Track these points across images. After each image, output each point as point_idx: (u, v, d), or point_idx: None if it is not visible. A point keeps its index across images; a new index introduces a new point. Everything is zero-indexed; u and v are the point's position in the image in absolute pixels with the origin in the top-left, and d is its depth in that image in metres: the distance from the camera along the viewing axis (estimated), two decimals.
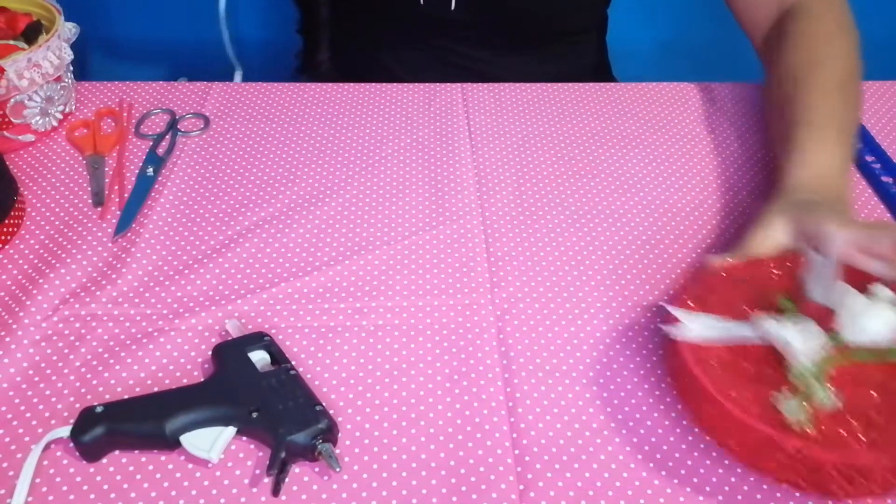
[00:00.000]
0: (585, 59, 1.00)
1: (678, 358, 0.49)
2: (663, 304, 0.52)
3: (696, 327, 0.49)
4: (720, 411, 0.46)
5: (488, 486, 0.47)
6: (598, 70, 1.02)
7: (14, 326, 0.56)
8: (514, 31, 0.91)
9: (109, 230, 0.65)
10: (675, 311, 0.50)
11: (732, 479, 0.48)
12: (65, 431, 0.48)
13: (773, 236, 0.56)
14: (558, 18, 0.92)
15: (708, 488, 0.47)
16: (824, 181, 0.62)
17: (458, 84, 0.84)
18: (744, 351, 0.49)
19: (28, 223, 0.65)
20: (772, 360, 0.48)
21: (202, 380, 0.52)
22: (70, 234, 0.64)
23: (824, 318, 0.49)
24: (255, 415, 0.48)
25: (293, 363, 0.52)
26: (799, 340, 0.47)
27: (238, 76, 1.24)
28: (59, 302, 0.58)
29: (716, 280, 0.53)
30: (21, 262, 0.62)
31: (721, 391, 0.46)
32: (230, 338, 0.54)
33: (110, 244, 0.63)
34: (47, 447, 0.48)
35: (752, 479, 0.48)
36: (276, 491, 0.46)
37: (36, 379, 0.53)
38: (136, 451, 0.48)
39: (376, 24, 0.94)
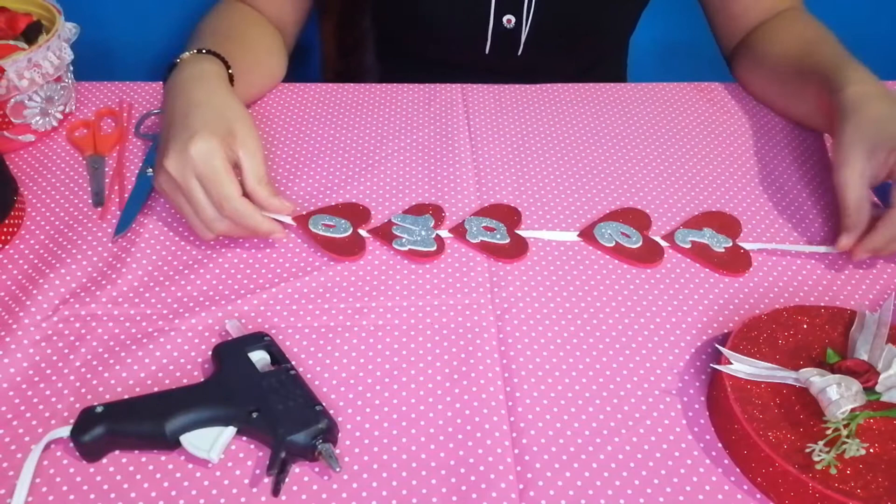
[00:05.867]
0: (613, 78, 1.02)
1: (722, 393, 0.50)
2: (717, 346, 0.53)
3: (743, 367, 0.51)
4: (753, 447, 0.47)
5: (488, 485, 0.47)
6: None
7: (14, 326, 0.56)
8: (570, 63, 0.93)
9: (109, 230, 0.64)
10: (726, 352, 0.51)
11: (732, 479, 0.48)
12: (65, 431, 0.48)
13: (859, 172, 0.61)
14: (608, 42, 0.95)
15: (708, 487, 0.47)
16: (881, 88, 0.66)
17: (458, 84, 0.84)
18: (788, 396, 0.50)
19: (28, 223, 0.65)
20: (813, 408, 0.49)
21: (202, 380, 0.52)
22: (70, 234, 0.64)
23: (866, 373, 0.50)
24: (255, 415, 0.48)
25: (293, 363, 0.52)
26: (835, 392, 0.48)
27: None
28: (59, 302, 0.58)
29: (765, 325, 0.54)
30: (21, 262, 0.62)
31: (757, 431, 0.47)
32: (230, 338, 0.54)
33: (110, 244, 0.63)
34: (47, 447, 0.48)
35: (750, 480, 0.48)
36: (276, 491, 0.46)
37: (36, 379, 0.53)
38: (136, 451, 0.48)
39: (433, 68, 0.92)
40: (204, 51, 0.68)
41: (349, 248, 0.62)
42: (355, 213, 0.66)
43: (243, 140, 0.60)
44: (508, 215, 0.66)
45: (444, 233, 0.65)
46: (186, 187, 0.58)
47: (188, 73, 0.65)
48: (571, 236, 0.65)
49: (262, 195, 0.60)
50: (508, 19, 0.85)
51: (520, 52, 0.88)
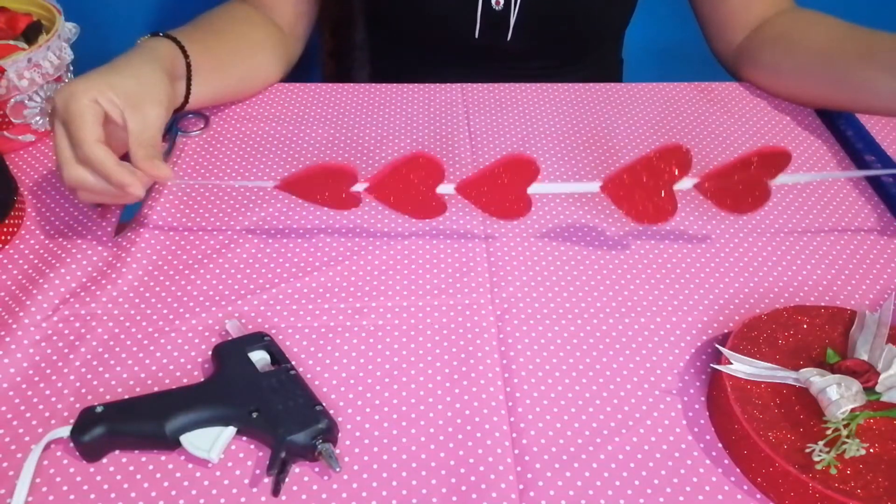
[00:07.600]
0: (607, 70, 1.03)
1: (722, 393, 0.50)
2: (717, 346, 0.53)
3: (743, 367, 0.51)
4: (753, 447, 0.47)
5: (488, 485, 0.47)
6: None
7: (14, 326, 0.56)
8: (561, 50, 0.92)
9: (109, 230, 0.65)
10: (726, 352, 0.51)
11: (732, 479, 0.48)
12: (65, 431, 0.48)
13: None
14: (600, 31, 0.94)
15: (708, 488, 0.47)
16: None
17: (458, 84, 0.84)
18: (788, 396, 0.50)
19: (28, 223, 0.65)
20: (813, 408, 0.49)
21: (202, 380, 0.52)
22: (70, 234, 0.64)
23: (866, 373, 0.50)
24: (255, 415, 0.48)
25: (293, 363, 0.52)
26: (835, 392, 0.47)
27: None
28: (59, 302, 0.58)
29: (765, 325, 0.54)
30: (21, 262, 0.62)
31: (757, 431, 0.47)
32: (230, 338, 0.54)
33: (110, 244, 0.63)
34: (47, 447, 0.48)
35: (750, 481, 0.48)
36: (276, 491, 0.46)
37: (36, 379, 0.53)
38: (136, 451, 0.48)
39: (424, 54, 0.93)
40: (161, 34, 0.69)
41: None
42: (339, 175, 0.59)
43: (135, 101, 0.59)
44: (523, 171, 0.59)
45: (447, 188, 0.59)
46: (53, 133, 0.58)
47: (131, 49, 0.66)
48: (593, 187, 0.60)
49: (137, 155, 0.58)
50: (497, 0, 0.85)
51: (509, 37, 0.87)
